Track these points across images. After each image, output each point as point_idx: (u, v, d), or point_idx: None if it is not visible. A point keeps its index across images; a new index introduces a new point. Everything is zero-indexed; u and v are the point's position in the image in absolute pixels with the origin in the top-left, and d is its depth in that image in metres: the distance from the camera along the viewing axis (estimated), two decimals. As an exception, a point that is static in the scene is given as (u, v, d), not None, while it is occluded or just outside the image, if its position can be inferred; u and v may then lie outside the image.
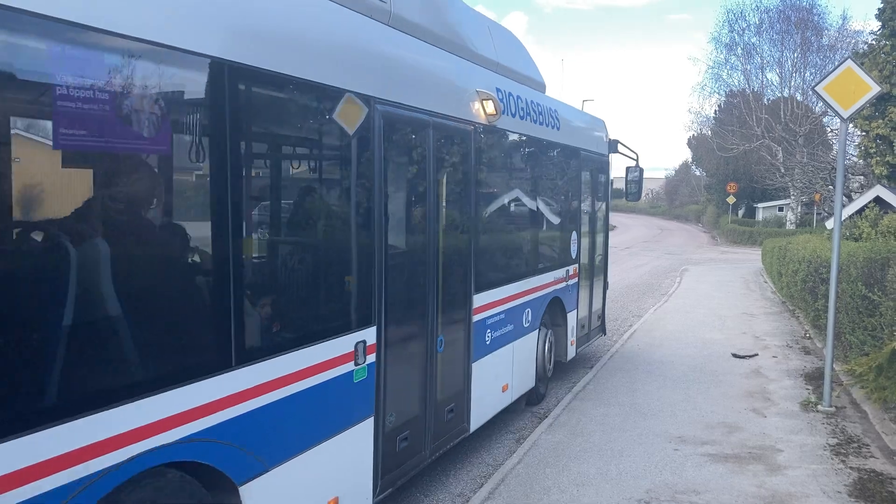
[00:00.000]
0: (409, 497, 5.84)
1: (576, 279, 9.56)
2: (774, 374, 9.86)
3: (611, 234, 12.02)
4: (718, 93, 47.20)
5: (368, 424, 4.73)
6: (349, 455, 4.57)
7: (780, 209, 48.14)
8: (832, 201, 32.48)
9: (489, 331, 6.78)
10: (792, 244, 16.90)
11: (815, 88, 8.38)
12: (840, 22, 47.47)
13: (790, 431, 7.34)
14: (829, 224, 20.89)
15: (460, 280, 6.21)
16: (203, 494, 3.36)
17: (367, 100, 4.65)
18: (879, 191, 19.25)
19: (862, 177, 27.80)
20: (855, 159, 27.00)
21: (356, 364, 4.55)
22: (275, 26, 3.89)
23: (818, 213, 40.13)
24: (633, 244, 38.55)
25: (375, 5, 5.04)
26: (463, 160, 6.22)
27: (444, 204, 5.96)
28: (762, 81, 43.47)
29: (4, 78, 2.57)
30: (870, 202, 18.59)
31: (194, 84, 3.40)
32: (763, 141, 40.81)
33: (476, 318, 6.42)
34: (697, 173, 69.60)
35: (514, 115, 7.17)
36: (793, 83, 41.29)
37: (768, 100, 42.94)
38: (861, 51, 23.96)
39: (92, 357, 2.92)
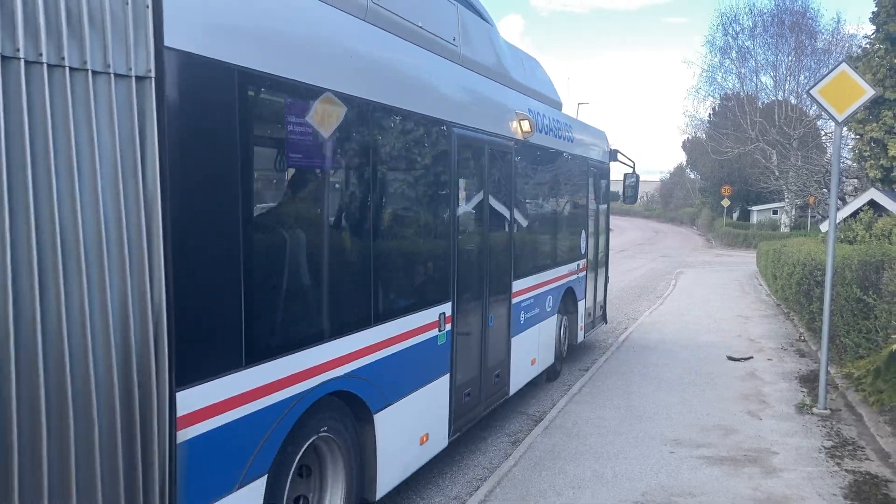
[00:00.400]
0: (406, 499, 5.83)
1: (584, 272, 10.93)
2: (769, 377, 9.88)
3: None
4: (713, 96, 47.34)
5: (446, 379, 6.10)
6: (434, 402, 5.92)
7: (775, 212, 48.24)
8: (826, 204, 32.59)
9: (523, 312, 8.14)
10: (786, 247, 16.94)
11: (810, 92, 8.40)
12: (834, 25, 47.52)
13: (785, 434, 7.35)
14: (824, 227, 20.97)
15: (504, 269, 7.51)
16: (352, 419, 4.74)
17: (448, 125, 6.04)
18: (873, 194, 19.30)
19: (856, 180, 27.88)
20: (849, 162, 27.08)
21: (439, 330, 5.93)
22: (402, 75, 5.41)
23: (812, 216, 40.26)
24: (628, 247, 38.58)
25: (451, 49, 6.46)
26: (505, 170, 7.50)
27: (493, 206, 7.17)
28: (756, 85, 43.62)
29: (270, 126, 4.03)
30: (864, 205, 18.63)
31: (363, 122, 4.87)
32: (757, 144, 40.91)
33: (514, 300, 7.79)
34: (692, 176, 69.74)
35: (541, 131, 8.48)
36: (787, 86, 41.43)
37: (762, 103, 43.02)
38: (855, 54, 24.04)
39: (304, 311, 4.30)
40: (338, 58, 4.53)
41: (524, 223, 8.24)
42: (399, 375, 5.27)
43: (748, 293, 20.30)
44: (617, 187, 12.88)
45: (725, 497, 5.75)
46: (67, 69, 2.66)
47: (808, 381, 9.52)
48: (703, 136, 50.20)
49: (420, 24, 5.83)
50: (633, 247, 39.52)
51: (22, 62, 2.51)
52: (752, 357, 11.15)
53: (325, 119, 4.38)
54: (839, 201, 8.64)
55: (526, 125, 7.80)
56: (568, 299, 10.09)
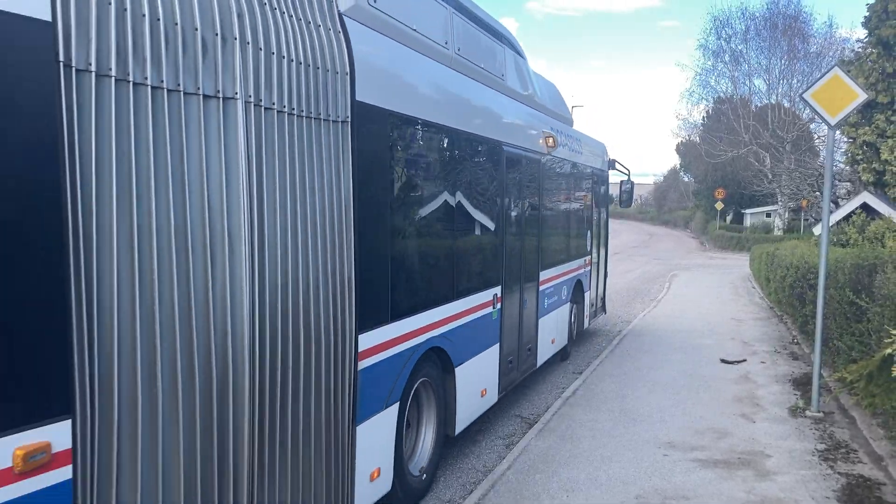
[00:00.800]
0: None
1: (590, 267, 12.48)
2: (763, 380, 9.90)
3: (601, 239, 13.52)
4: (706, 99, 47.48)
5: (496, 347, 7.66)
6: (489, 364, 7.48)
7: (768, 215, 48.38)
8: (819, 207, 32.73)
9: (546, 298, 9.63)
10: (780, 250, 16.98)
11: (803, 95, 8.42)
12: (826, 29, 47.72)
13: (779, 437, 7.37)
14: (817, 230, 21.02)
15: (534, 261, 9.03)
16: (441, 370, 6.34)
17: (500, 144, 7.66)
18: (866, 197, 19.38)
19: (849, 183, 27.97)
20: (842, 166, 27.16)
21: (493, 307, 7.48)
22: (474, 108, 7.10)
23: (805, 219, 40.39)
24: (622, 249, 38.62)
25: (500, 83, 8.06)
26: (536, 179, 9.07)
27: (527, 209, 8.76)
28: (749, 88, 43.76)
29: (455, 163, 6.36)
30: (857, 208, 18.70)
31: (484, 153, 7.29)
32: (751, 147, 41.02)
33: (541, 288, 9.33)
34: (686, 179, 69.94)
35: (560, 146, 9.95)
36: (780, 90, 41.56)
37: (756, 106, 43.16)
38: (847, 58, 24.14)
39: (418, 287, 5.84)
40: (440, 98, 6.30)
41: (547, 223, 9.71)
42: (469, 340, 6.87)
43: (741, 296, 20.34)
44: (613, 190, 14.39)
45: (719, 500, 5.76)
46: (305, 118, 4.14)
47: (802, 383, 9.55)
48: (697, 139, 50.37)
49: (482, 66, 7.49)
50: (627, 249, 39.58)
51: (275, 112, 3.90)
52: (745, 360, 11.17)
53: (430, 143, 6.08)
54: (832, 204, 8.69)
55: (551, 141, 9.30)
56: (577, 290, 11.62)
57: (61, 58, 2.79)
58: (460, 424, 6.70)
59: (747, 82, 43.57)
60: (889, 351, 3.09)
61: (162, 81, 3.21)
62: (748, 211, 51.63)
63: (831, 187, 8.66)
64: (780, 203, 42.95)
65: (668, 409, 8.36)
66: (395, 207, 5.38)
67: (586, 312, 12.38)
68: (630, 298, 19.40)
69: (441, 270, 6.31)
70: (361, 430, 4.84)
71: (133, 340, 3.07)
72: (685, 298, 19.37)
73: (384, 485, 5.27)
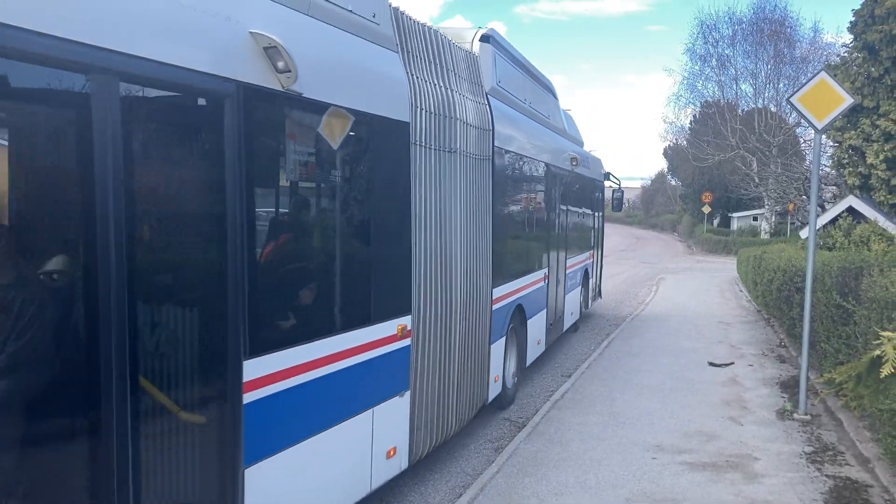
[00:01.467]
0: (387, 508, 5.80)
1: (593, 259, 15.74)
2: (750, 383, 9.93)
3: (588, 243, 15.35)
4: (693, 103, 47.61)
5: (545, 312, 10.54)
6: (541, 323, 10.36)
7: (755, 219, 48.60)
8: (806, 211, 32.88)
9: (569, 281, 12.53)
10: (767, 253, 17.06)
11: (790, 100, 8.47)
12: (812, 34, 48.00)
13: (767, 439, 7.38)
14: (804, 233, 21.13)
15: (563, 250, 11.99)
16: (520, 321, 8.99)
17: (548, 165, 10.64)
18: (852, 201, 19.51)
19: (835, 187, 28.18)
20: (828, 170, 27.33)
21: (544, 282, 10.43)
22: (533, 138, 9.79)
23: (792, 223, 40.61)
24: (609, 252, 38.55)
25: (545, 120, 10.98)
26: (565, 189, 12.08)
27: (560, 212, 11.71)
28: (736, 92, 44.01)
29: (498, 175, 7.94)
30: (843, 212, 18.83)
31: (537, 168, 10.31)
32: (738, 151, 41.23)
33: (567, 272, 12.33)
34: (673, 183, 70.17)
35: (580, 164, 12.86)
36: (766, 94, 41.84)
37: (742, 110, 43.40)
38: (834, 63, 24.30)
39: (514, 263, 8.79)
40: (527, 139, 9.36)
41: (570, 222, 12.71)
42: (533, 304, 9.68)
43: (729, 299, 20.43)
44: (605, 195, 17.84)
45: (707, 503, 5.76)
46: (476, 158, 6.85)
47: (789, 386, 9.58)
48: (684, 142, 50.54)
49: (541, 112, 10.68)
50: (615, 253, 39.61)
51: (467, 155, 6.62)
52: (733, 363, 11.20)
53: (524, 169, 9.43)
54: (818, 208, 8.71)
55: (575, 162, 12.33)
56: (585, 277, 14.58)
57: (413, 140, 5.63)
58: (529, 360, 9.68)
59: (734, 86, 43.85)
60: (878, 352, 3.10)
61: (441, 147, 6.14)
62: (735, 214, 51.85)
63: (818, 191, 8.71)
64: (766, 207, 43.18)
65: (656, 412, 8.37)
66: (510, 213, 8.79)
67: (590, 295, 15.46)
68: (618, 302, 19.43)
69: (523, 254, 9.59)
70: (492, 348, 7.69)
71: (436, 287, 6.07)
72: (673, 302, 19.43)
73: (499, 387, 8.15)
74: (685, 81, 49.29)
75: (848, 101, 8.16)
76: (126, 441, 3.13)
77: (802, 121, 8.34)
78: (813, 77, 8.42)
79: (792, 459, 6.79)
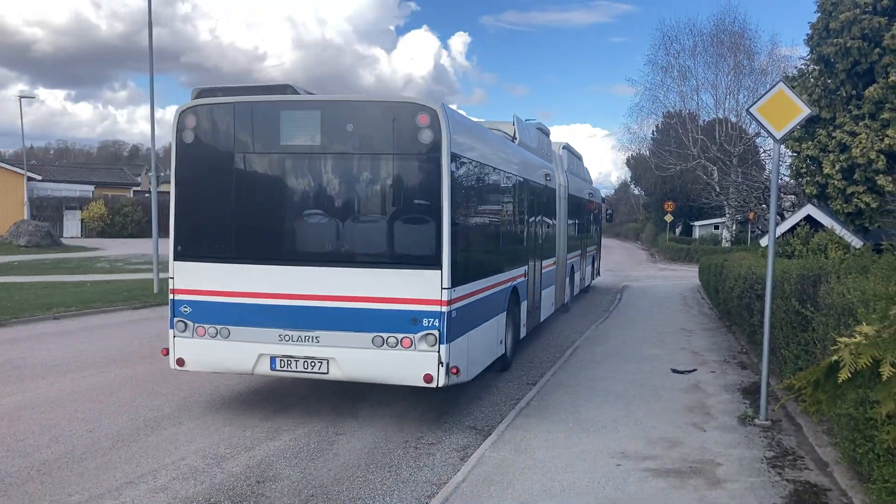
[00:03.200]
0: (353, 518, 5.76)
1: (597, 251, 25.55)
2: (713, 389, 10.05)
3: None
4: (655, 114, 48.27)
5: (554, 287, 15.84)
6: (553, 294, 15.85)
7: (716, 227, 49.36)
8: (766, 219, 33.44)
9: (588, 257, 22.73)
10: (728, 261, 17.31)
11: (750, 110, 8.61)
12: (770, 46, 48.93)
13: (729, 445, 7.47)
14: (764, 242, 21.46)
15: (586, 243, 21.76)
16: (573, 271, 19.18)
17: (584, 197, 21.39)
18: (810, 210, 19.90)
19: (793, 196, 28.72)
20: (787, 179, 27.87)
21: (581, 258, 20.95)
22: (579, 184, 21.07)
23: (752, 231, 41.28)
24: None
25: (582, 176, 22.03)
26: (584, 208, 21.15)
27: (582, 223, 20.66)
28: (698, 103, 44.72)
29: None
30: (801, 221, 19.19)
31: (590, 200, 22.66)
32: (699, 161, 41.88)
33: (588, 254, 22.44)
34: (636, 192, 71.00)
35: (591, 193, 22.94)
36: (727, 105, 42.60)
37: (704, 121, 44.12)
38: (791, 75, 24.80)
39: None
40: (573, 182, 18.94)
41: (590, 227, 22.91)
42: (580, 265, 20.48)
43: (691, 307, 20.68)
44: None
45: (671, 509, 5.81)
46: (559, 197, 16.29)
47: (750, 392, 9.72)
48: (647, 152, 51.17)
49: (581, 175, 21.83)
50: (579, 261, 39.94)
51: (560, 198, 16.55)
52: (695, 369, 11.33)
53: (574, 197, 18.53)
54: (778, 217, 8.86)
55: (595, 196, 24.52)
56: (592, 260, 24.01)
57: (558, 194, 16.19)
58: (576, 291, 19.44)
59: (695, 97, 44.57)
60: (835, 357, 3.15)
61: (554, 195, 15.42)
62: (697, 223, 52.62)
63: (777, 200, 8.86)
64: (727, 215, 43.88)
65: (620, 419, 8.42)
66: (573, 221, 18.76)
67: (594, 273, 25.38)
68: (583, 310, 19.56)
69: (576, 241, 18.68)
70: (566, 281, 16.98)
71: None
72: (636, 309, 19.62)
73: (565, 300, 17.76)
74: (647, 92, 49.91)
75: (805, 111, 8.31)
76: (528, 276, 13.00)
77: (762, 131, 8.47)
78: (772, 88, 8.56)
79: (753, 464, 6.88)
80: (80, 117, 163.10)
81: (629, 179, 72.34)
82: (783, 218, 22.21)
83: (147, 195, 47.82)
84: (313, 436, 7.80)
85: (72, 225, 47.32)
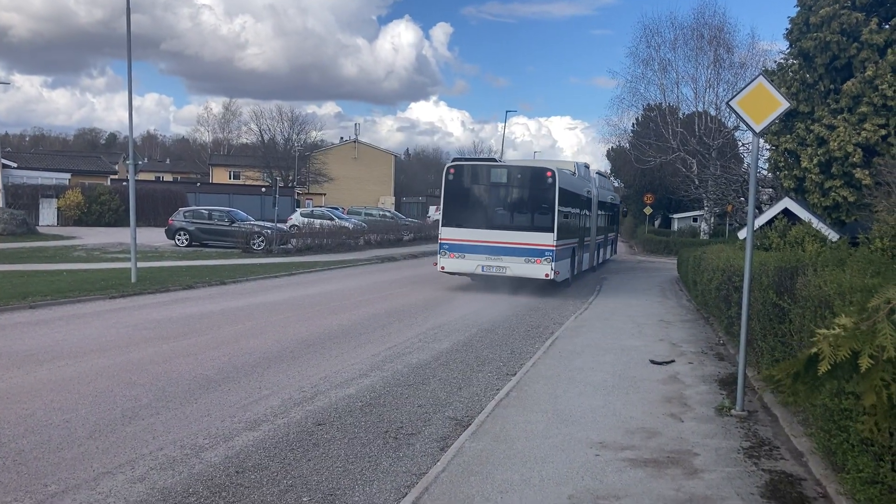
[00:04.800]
0: (332, 508, 5.75)
1: (615, 235, 38.24)
2: (690, 380, 10.13)
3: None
4: (636, 106, 48.45)
5: (588, 254, 27.57)
6: (606, 248, 33.66)
7: (695, 220, 49.70)
8: (744, 212, 33.74)
9: (610, 240, 35.02)
10: (706, 254, 17.44)
11: (730, 103, 8.66)
12: (750, 40, 49.32)
13: (706, 435, 7.54)
14: (742, 234, 21.64)
15: (608, 230, 33.86)
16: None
17: (607, 202, 33.36)
18: (787, 203, 20.07)
19: (771, 189, 28.98)
20: (765, 173, 28.10)
21: (605, 240, 32.55)
22: (604, 195, 32.78)
23: (730, 224, 41.62)
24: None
25: (610, 187, 38.83)
26: (610, 210, 34.31)
27: (605, 218, 32.26)
28: (678, 96, 44.92)
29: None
30: (779, 214, 19.34)
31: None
32: (678, 154, 42.12)
33: (609, 237, 34.66)
34: (616, 184, 71.21)
35: (613, 199, 36.69)
36: (707, 98, 42.82)
37: (683, 114, 44.32)
38: (770, 69, 24.99)
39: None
40: (603, 195, 31.91)
41: (610, 222, 34.54)
42: (605, 243, 33.19)
43: (670, 298, 20.83)
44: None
45: (649, 499, 5.85)
46: (593, 203, 28.84)
47: (727, 383, 9.81)
48: (627, 145, 51.38)
49: (606, 186, 35.97)
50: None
51: (593, 203, 28.44)
52: (673, 361, 11.42)
53: (605, 205, 31.96)
54: (756, 209, 8.92)
55: (617, 198, 38.85)
56: (612, 242, 36.14)
57: (592, 199, 28.14)
58: (598, 261, 29.99)
59: (675, 90, 44.76)
60: (815, 350, 3.18)
61: (586, 199, 26.41)
62: (676, 216, 52.92)
63: (756, 193, 8.93)
64: (706, 208, 44.20)
65: (599, 409, 8.47)
66: (601, 213, 30.16)
67: (613, 251, 36.42)
68: (561, 301, 19.64)
69: (604, 228, 31.45)
70: (600, 252, 30.90)
71: (590, 233, 27.28)
72: (616, 300, 19.73)
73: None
74: (628, 85, 50.10)
75: (784, 105, 8.38)
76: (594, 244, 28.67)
77: (741, 124, 8.52)
78: (751, 81, 8.62)
79: (730, 455, 6.95)
80: (57, 104, 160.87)
81: (609, 172, 72.58)
82: (761, 211, 22.40)
83: (125, 183, 47.31)
84: (292, 426, 7.78)
85: (48, 213, 46.71)
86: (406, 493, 6.01)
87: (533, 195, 20.27)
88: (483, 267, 19.96)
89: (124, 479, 6.17)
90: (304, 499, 5.91)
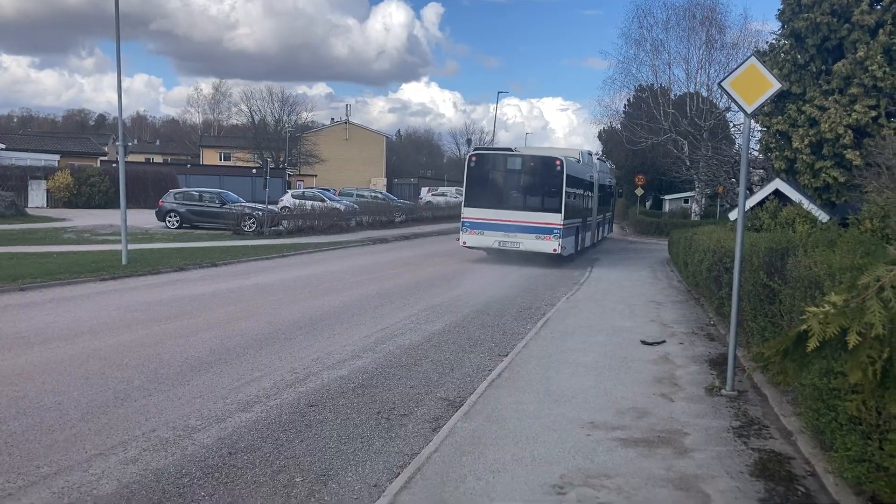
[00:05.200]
0: (325, 488, 5.77)
1: (612, 216, 40.20)
2: (681, 361, 10.19)
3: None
4: (628, 87, 48.32)
5: (591, 233, 30.36)
6: (602, 227, 35.01)
7: (686, 201, 49.79)
8: (735, 193, 33.81)
9: (607, 219, 37.25)
10: (697, 235, 17.48)
11: (721, 84, 8.65)
12: (742, 21, 49.23)
13: (696, 415, 7.60)
14: (732, 215, 21.70)
15: (606, 210, 35.73)
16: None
17: (606, 184, 35.33)
18: (778, 184, 20.13)
19: (762, 170, 29.02)
20: (756, 154, 28.13)
21: (603, 219, 35.00)
22: (603, 177, 34.74)
23: (721, 205, 41.72)
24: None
25: (608, 170, 39.73)
26: (608, 192, 36.14)
27: (604, 199, 33.70)
28: (669, 77, 44.77)
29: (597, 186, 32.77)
30: (770, 195, 19.41)
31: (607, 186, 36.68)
32: (670, 135, 42.09)
33: (606, 217, 36.25)
34: (609, 166, 71.19)
35: (612, 179, 40.52)
36: (698, 79, 42.71)
37: (675, 95, 44.23)
38: (762, 49, 24.96)
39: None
40: (602, 177, 33.36)
41: (608, 202, 36.36)
42: (601, 223, 34.14)
43: (661, 279, 20.90)
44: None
45: (640, 477, 5.90)
46: (595, 184, 30.71)
47: (718, 364, 9.87)
48: (619, 126, 51.29)
49: (605, 171, 36.72)
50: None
51: (595, 184, 30.75)
52: (664, 341, 11.48)
53: (604, 186, 35.01)
54: (747, 191, 8.93)
55: (613, 181, 40.38)
56: (608, 221, 37.51)
57: (592, 182, 29.69)
58: (597, 239, 32.35)
59: (667, 71, 44.58)
60: (804, 327, 3.20)
61: (590, 182, 29.87)
62: (667, 197, 53.02)
63: (747, 174, 8.94)
64: (697, 189, 44.27)
65: (590, 389, 8.52)
66: (602, 195, 32.37)
67: (609, 229, 38.61)
68: (554, 282, 19.69)
69: (602, 208, 32.82)
70: (598, 230, 32.94)
71: (591, 213, 29.46)
72: (607, 282, 19.79)
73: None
74: (620, 65, 49.98)
75: (776, 86, 8.37)
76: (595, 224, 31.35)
77: (733, 105, 8.54)
78: (743, 62, 8.61)
79: (720, 434, 7.01)
80: (45, 85, 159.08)
81: (600, 153, 72.55)
82: (752, 192, 22.46)
83: (114, 165, 47.00)
84: (285, 407, 7.80)
85: (37, 195, 46.41)
86: (399, 473, 6.04)
87: (543, 180, 22.89)
88: (500, 242, 22.76)
89: (117, 461, 6.18)
90: (297, 479, 5.94)
